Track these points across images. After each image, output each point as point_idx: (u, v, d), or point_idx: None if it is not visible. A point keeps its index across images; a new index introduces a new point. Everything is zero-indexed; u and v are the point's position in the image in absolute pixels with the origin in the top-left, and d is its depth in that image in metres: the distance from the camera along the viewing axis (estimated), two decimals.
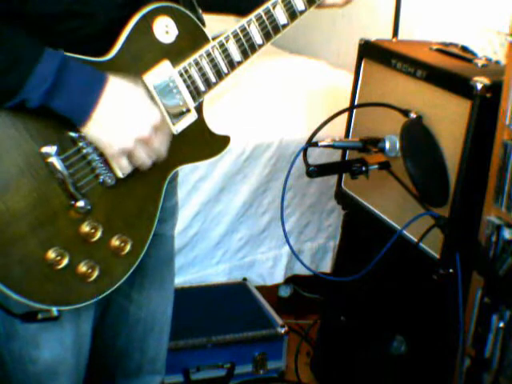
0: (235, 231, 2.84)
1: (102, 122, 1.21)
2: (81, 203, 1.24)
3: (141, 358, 1.64)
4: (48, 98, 1.16)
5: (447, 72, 1.99)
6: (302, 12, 1.47)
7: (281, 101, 3.02)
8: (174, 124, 1.35)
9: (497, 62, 2.23)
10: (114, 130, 1.22)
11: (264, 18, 1.41)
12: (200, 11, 1.41)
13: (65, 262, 1.23)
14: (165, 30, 1.33)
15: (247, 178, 2.80)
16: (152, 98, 1.30)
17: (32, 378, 1.42)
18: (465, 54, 2.25)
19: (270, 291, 2.95)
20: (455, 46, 2.36)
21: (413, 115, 1.95)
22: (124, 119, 1.23)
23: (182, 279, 2.69)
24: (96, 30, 1.27)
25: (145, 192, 1.34)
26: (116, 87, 1.22)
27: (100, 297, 1.30)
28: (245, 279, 2.83)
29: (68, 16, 1.24)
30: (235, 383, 2.52)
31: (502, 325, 1.85)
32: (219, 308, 2.65)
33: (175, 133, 1.35)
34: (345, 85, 2.65)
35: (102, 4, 1.27)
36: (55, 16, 1.23)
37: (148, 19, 1.31)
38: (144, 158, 1.27)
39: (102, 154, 1.26)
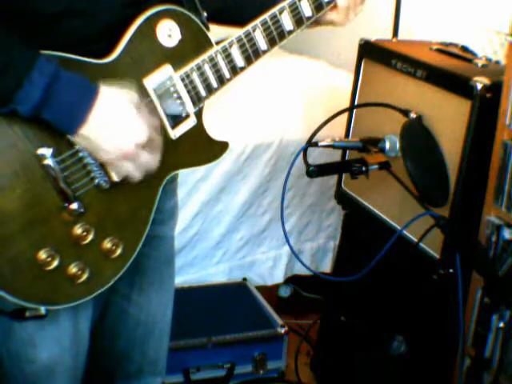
0: (235, 231, 2.84)
1: (89, 135, 1.21)
2: (74, 205, 1.24)
3: (141, 360, 1.64)
4: (37, 111, 1.16)
5: (447, 72, 1.99)
6: (308, 18, 1.46)
7: (281, 101, 3.02)
8: (172, 129, 1.34)
9: (497, 62, 2.23)
10: (99, 144, 1.22)
11: (270, 23, 1.40)
12: (204, 14, 1.40)
13: (55, 263, 1.23)
14: (168, 33, 1.32)
15: (247, 177, 2.80)
16: (151, 102, 1.30)
17: (29, 378, 1.42)
18: (465, 54, 2.25)
19: (269, 291, 2.95)
20: (455, 46, 2.36)
21: (413, 115, 1.95)
22: (110, 135, 1.22)
23: (181, 279, 2.69)
24: (97, 30, 1.27)
25: (139, 196, 1.34)
26: (106, 102, 1.21)
27: (89, 297, 1.30)
28: (245, 279, 2.83)
29: (69, 15, 1.23)
30: (235, 383, 2.52)
31: (502, 325, 1.85)
32: (219, 308, 2.64)
33: (173, 138, 1.35)
34: (345, 85, 2.65)
35: (105, 3, 1.26)
36: (56, 15, 1.22)
37: (151, 22, 1.30)
38: (129, 172, 1.27)
39: (97, 158, 1.25)
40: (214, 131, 1.46)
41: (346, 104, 2.38)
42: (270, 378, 2.57)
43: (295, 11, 1.43)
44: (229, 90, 1.46)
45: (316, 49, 3.73)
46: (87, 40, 1.26)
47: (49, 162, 1.21)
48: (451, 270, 1.90)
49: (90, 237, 1.27)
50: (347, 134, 2.37)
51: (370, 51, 2.30)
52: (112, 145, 1.22)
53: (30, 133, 1.20)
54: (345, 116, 2.31)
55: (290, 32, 1.44)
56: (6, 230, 1.19)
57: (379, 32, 2.94)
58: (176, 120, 1.35)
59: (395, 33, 3.07)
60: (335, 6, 1.49)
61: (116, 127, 1.22)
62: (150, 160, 1.28)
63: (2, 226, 1.19)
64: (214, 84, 1.37)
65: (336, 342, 2.53)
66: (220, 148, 1.45)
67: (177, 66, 1.33)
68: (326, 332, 2.63)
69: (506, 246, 1.85)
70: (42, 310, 1.26)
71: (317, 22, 1.51)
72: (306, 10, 1.45)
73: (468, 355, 1.95)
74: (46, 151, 1.21)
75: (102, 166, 1.27)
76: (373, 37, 2.33)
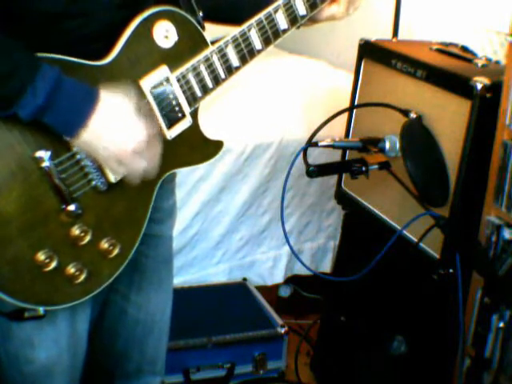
0: (235, 231, 2.84)
1: (88, 139, 1.22)
2: (72, 207, 1.25)
3: (140, 360, 1.64)
4: (38, 115, 1.17)
5: (447, 72, 1.99)
6: (303, 17, 1.46)
7: (281, 101, 3.02)
8: (168, 129, 1.35)
9: (497, 62, 2.23)
10: (98, 148, 1.23)
11: (265, 22, 1.40)
12: (200, 14, 1.40)
13: (53, 264, 1.24)
14: (164, 34, 1.32)
15: (247, 177, 2.80)
16: (148, 103, 1.30)
17: (28, 378, 1.42)
18: (465, 54, 2.25)
19: (269, 291, 2.95)
20: (455, 46, 2.36)
21: (413, 115, 1.95)
22: (109, 139, 1.23)
23: (181, 279, 2.69)
24: (94, 31, 1.27)
25: (135, 196, 1.34)
26: (106, 108, 1.22)
27: (86, 297, 1.31)
28: (245, 279, 2.83)
29: (67, 16, 1.23)
30: (235, 383, 2.52)
31: (502, 325, 1.85)
32: (219, 308, 2.64)
33: (169, 138, 1.35)
34: (345, 85, 2.65)
35: (101, 4, 1.27)
36: (54, 16, 1.22)
37: (148, 23, 1.30)
38: (127, 175, 1.28)
39: (95, 160, 1.26)
40: (214, 131, 1.46)
41: (346, 104, 2.38)
42: (269, 378, 2.57)
43: (290, 10, 1.43)
44: (228, 91, 1.46)
45: (316, 49, 3.73)
46: (86, 40, 1.26)
47: (46, 164, 1.21)
48: (451, 270, 1.90)
49: (88, 238, 1.28)
50: (347, 134, 2.37)
51: (370, 51, 2.30)
52: (110, 149, 1.23)
53: (28, 135, 1.20)
54: (345, 116, 2.31)
55: (285, 31, 1.44)
56: (5, 231, 1.19)
57: (379, 32, 2.94)
58: (172, 120, 1.35)
59: (395, 33, 3.07)
60: (334, 0, 1.50)
61: (115, 132, 1.23)
62: (148, 164, 1.28)
63: (0, 228, 1.19)
64: (210, 84, 1.38)
65: (336, 342, 2.53)
66: (215, 147, 1.45)
67: (173, 66, 1.34)
68: (326, 332, 2.63)
69: (506, 246, 1.85)
70: (41, 310, 1.27)
71: (315, 20, 1.52)
72: (301, 8, 1.45)
73: (468, 355, 1.95)
74: (43, 154, 1.21)
75: (100, 168, 1.27)
76: (373, 37, 2.33)
